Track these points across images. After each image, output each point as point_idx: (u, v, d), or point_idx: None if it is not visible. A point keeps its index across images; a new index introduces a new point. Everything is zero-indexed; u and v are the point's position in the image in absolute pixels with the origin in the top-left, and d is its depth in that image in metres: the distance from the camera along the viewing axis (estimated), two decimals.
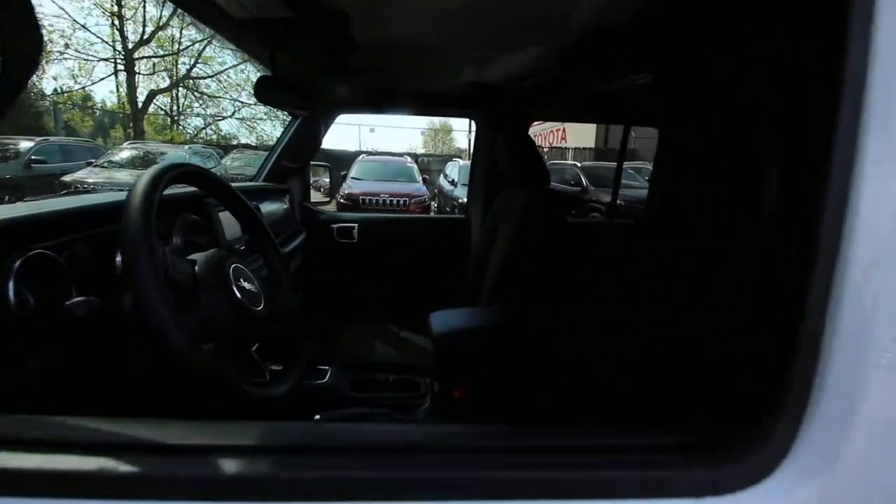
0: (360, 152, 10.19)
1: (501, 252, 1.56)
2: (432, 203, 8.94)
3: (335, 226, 2.09)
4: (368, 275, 2.14)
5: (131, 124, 13.47)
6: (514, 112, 1.97)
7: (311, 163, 2.21)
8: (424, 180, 8.97)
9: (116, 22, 12.25)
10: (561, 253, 1.50)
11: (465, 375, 1.27)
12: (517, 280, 1.50)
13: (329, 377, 1.41)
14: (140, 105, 13.36)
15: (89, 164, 7.86)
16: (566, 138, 15.02)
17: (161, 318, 0.57)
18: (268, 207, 1.76)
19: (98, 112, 14.42)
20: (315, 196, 2.36)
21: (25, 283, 0.62)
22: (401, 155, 10.23)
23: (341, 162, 10.53)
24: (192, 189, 0.91)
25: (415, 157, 11.83)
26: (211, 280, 0.73)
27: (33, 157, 7.29)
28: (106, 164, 8.01)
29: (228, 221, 1.17)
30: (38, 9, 0.43)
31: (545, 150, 14.95)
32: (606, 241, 2.01)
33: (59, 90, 12.46)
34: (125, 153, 8.52)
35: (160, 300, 0.58)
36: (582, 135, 14.01)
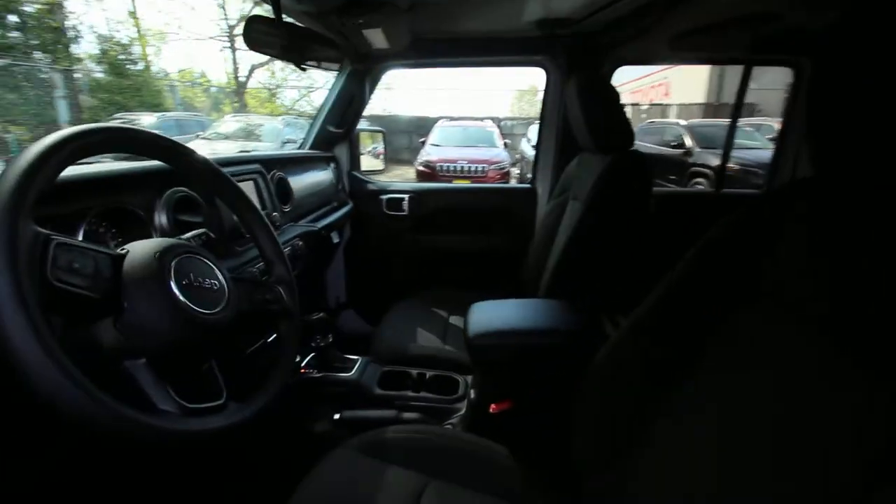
0: (442, 118, 9.89)
1: (568, 231, 1.26)
2: (514, 169, 8.48)
3: (384, 197, 1.91)
4: (417, 251, 1.94)
5: (237, 99, 14.61)
6: (592, 54, 1.58)
7: (364, 128, 2.04)
8: (506, 145, 8.50)
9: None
10: (645, 234, 1.16)
11: (505, 387, 1.03)
12: (584, 268, 1.19)
13: (356, 370, 1.26)
14: (243, 80, 14.39)
15: (198, 136, 8.62)
16: (669, 94, 13.28)
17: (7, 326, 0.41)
18: (311, 177, 1.62)
19: (209, 88, 15.79)
20: (373, 164, 2.19)
21: None
22: (482, 119, 9.76)
23: (421, 128, 10.41)
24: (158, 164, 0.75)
25: (497, 121, 11.29)
26: (139, 278, 0.56)
27: (154, 131, 8.17)
28: (212, 136, 8.73)
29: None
30: None
31: (644, 108, 13.39)
32: (711, 218, 1.58)
33: (169, 71, 13.80)
34: (228, 125, 9.21)
35: (12, 303, 0.42)
36: (689, 88, 12.22)
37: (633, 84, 16.20)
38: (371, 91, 1.80)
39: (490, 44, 1.64)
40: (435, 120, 9.95)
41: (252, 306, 0.76)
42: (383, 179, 2.10)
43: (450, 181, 7.06)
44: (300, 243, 1.26)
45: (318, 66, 1.12)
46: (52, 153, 0.50)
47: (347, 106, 1.77)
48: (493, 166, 7.29)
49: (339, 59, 1.12)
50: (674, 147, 6.85)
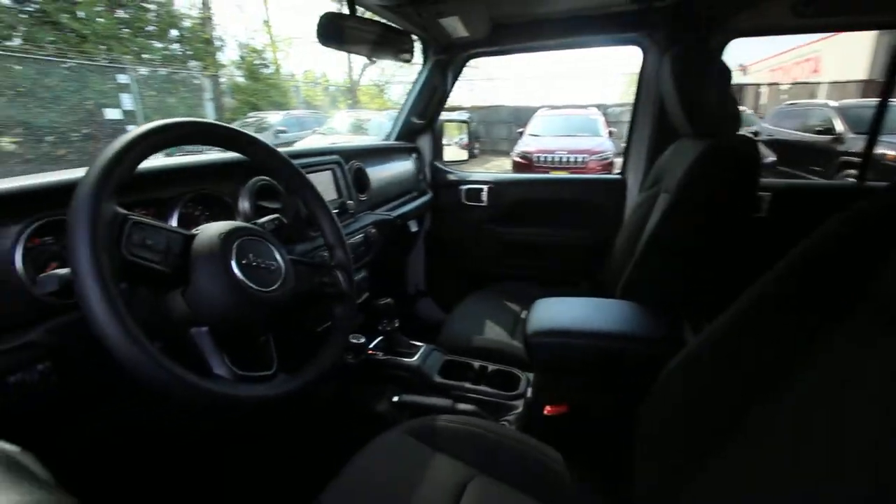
0: (543, 107, 9.57)
1: (654, 226, 1.14)
2: (619, 159, 7.89)
3: (463, 187, 1.91)
4: (495, 243, 1.91)
5: (350, 96, 15.76)
6: (697, 27, 1.39)
7: (448, 118, 2.06)
8: (611, 134, 7.94)
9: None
10: (749, 234, 1.00)
11: (563, 390, 0.97)
12: (667, 269, 1.07)
13: (419, 356, 1.28)
14: (357, 78, 15.48)
15: (314, 131, 9.49)
16: (819, 70, 11.19)
17: (86, 294, 0.49)
18: (392, 167, 1.69)
19: (328, 87, 17.22)
20: (457, 154, 2.21)
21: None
22: (586, 107, 9.23)
23: (522, 118, 10.18)
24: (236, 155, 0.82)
25: (604, 108, 10.58)
26: (204, 256, 0.63)
27: (278, 129, 9.18)
28: (326, 131, 9.55)
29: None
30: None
31: (785, 87, 11.48)
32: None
33: (295, 73, 15.31)
34: (340, 121, 9.98)
35: (90, 274, 0.49)
36: (846, 63, 10.10)
37: (774, 60, 13.98)
38: (453, 81, 1.80)
39: (577, 23, 1.53)
40: (536, 109, 9.65)
41: (310, 287, 0.82)
42: (475, 170, 2.09)
43: (547, 172, 6.83)
44: (373, 230, 1.32)
45: (393, 59, 1.14)
46: (134, 145, 0.59)
47: (430, 97, 1.79)
48: (594, 156, 6.88)
49: (410, 51, 1.13)
50: (819, 133, 5.79)
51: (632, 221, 1.37)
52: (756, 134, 6.76)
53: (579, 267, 1.81)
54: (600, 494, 0.82)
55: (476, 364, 1.27)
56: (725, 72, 1.07)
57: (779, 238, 0.95)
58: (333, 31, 0.95)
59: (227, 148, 0.76)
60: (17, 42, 7.51)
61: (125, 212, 0.57)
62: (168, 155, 1.03)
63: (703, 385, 0.60)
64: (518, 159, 7.29)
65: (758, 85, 12.37)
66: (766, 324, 0.53)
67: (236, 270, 0.64)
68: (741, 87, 12.02)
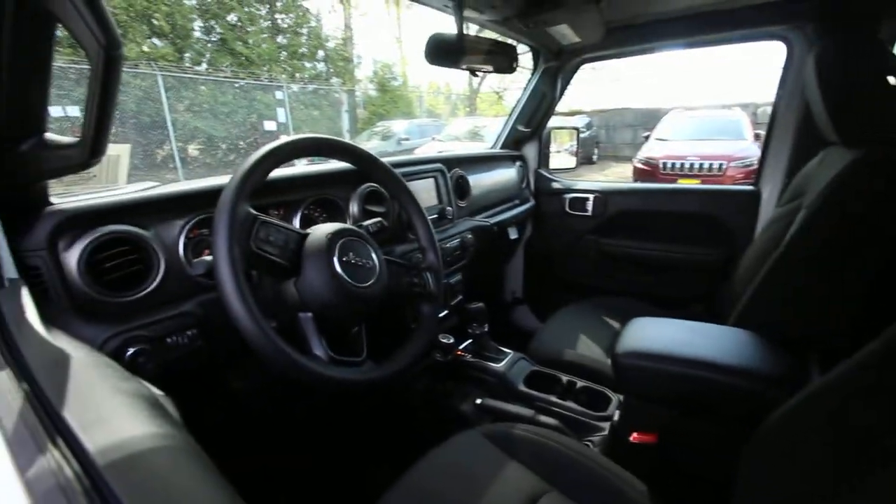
0: (675, 108, 8.71)
1: (786, 245, 0.99)
2: None
3: (568, 196, 1.86)
4: (598, 255, 1.82)
5: (469, 104, 16.22)
6: (860, 15, 1.17)
7: (556, 126, 2.02)
8: (757, 137, 6.90)
9: None
10: None
11: (653, 418, 0.90)
12: (795, 295, 0.93)
13: (505, 363, 1.29)
14: (476, 86, 15.87)
15: (433, 138, 9.98)
16: None
17: (221, 279, 0.61)
18: (495, 175, 1.72)
19: (450, 96, 17.97)
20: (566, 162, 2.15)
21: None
22: (728, 107, 8.15)
23: (650, 121, 9.40)
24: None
25: (754, 108, 9.22)
26: (313, 252, 0.74)
27: (401, 137, 9.85)
28: (444, 138, 9.97)
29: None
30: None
31: None
32: None
33: (420, 83, 16.23)
34: (457, 128, 10.35)
35: (225, 262, 0.62)
36: None
37: None
38: (564, 88, 1.77)
39: (707, 20, 1.38)
40: (668, 112, 8.82)
41: (401, 286, 0.89)
42: (594, 177, 2.01)
43: (674, 180, 6.21)
44: (470, 236, 1.37)
45: (497, 72, 1.17)
46: (265, 159, 0.71)
47: (538, 105, 1.79)
48: (734, 163, 6.05)
49: (513, 63, 1.15)
50: None
51: (763, 239, 1.20)
52: None
53: (692, 288, 1.64)
54: None
55: (564, 378, 1.23)
56: (892, 65, 0.88)
57: None
58: (440, 52, 1.02)
59: (337, 158, 0.87)
60: (203, 66, 9.28)
61: (255, 212, 0.69)
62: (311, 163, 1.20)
63: (821, 434, 0.52)
64: (640, 165, 6.75)
65: None
66: None
67: (337, 266, 0.74)
68: None
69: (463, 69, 1.08)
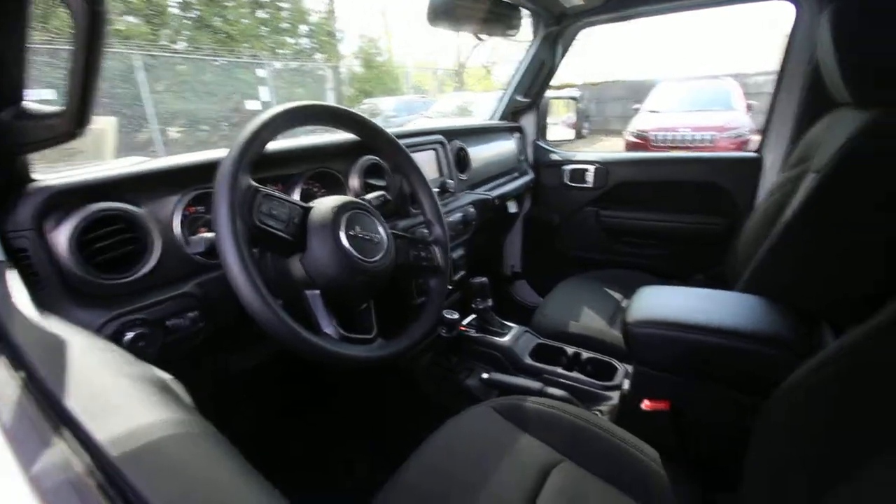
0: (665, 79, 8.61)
1: (796, 210, 0.98)
2: (756, 136, 6.81)
3: (567, 167, 1.83)
4: (599, 227, 1.81)
5: (457, 79, 15.90)
6: None
7: (554, 96, 1.97)
8: (749, 108, 6.86)
9: None
10: None
11: (665, 386, 0.90)
12: (806, 262, 0.92)
13: (510, 336, 1.28)
14: (463, 60, 15.54)
15: (421, 115, 9.79)
16: None
17: (225, 255, 0.58)
18: (493, 147, 1.68)
19: (437, 71, 17.57)
20: (563, 134, 2.11)
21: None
22: (718, 77, 8.08)
23: (640, 94, 9.30)
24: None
25: (743, 77, 9.16)
26: (318, 226, 0.70)
27: (389, 114, 9.66)
28: (432, 115, 9.79)
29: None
30: None
31: None
32: None
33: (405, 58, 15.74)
34: (445, 104, 10.16)
35: (229, 237, 0.58)
36: None
37: None
38: (563, 55, 1.71)
39: None
40: (658, 84, 8.71)
41: (408, 260, 0.86)
42: (583, 151, 1.98)
43: (666, 153, 6.19)
44: (472, 210, 1.34)
45: (501, 35, 1.12)
46: (264, 127, 0.67)
47: (537, 73, 1.73)
48: (725, 133, 6.04)
49: (517, 26, 1.10)
50: None
51: (767, 206, 1.19)
52: None
53: (694, 258, 1.63)
54: (698, 501, 0.75)
55: (570, 350, 1.23)
56: None
57: None
58: (443, 11, 0.96)
59: (339, 128, 0.83)
60: (181, 45, 8.91)
61: (256, 184, 0.65)
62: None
63: (836, 403, 0.51)
64: (632, 139, 6.71)
65: None
66: None
67: (344, 240, 0.70)
68: None
69: (465, 31, 1.03)
